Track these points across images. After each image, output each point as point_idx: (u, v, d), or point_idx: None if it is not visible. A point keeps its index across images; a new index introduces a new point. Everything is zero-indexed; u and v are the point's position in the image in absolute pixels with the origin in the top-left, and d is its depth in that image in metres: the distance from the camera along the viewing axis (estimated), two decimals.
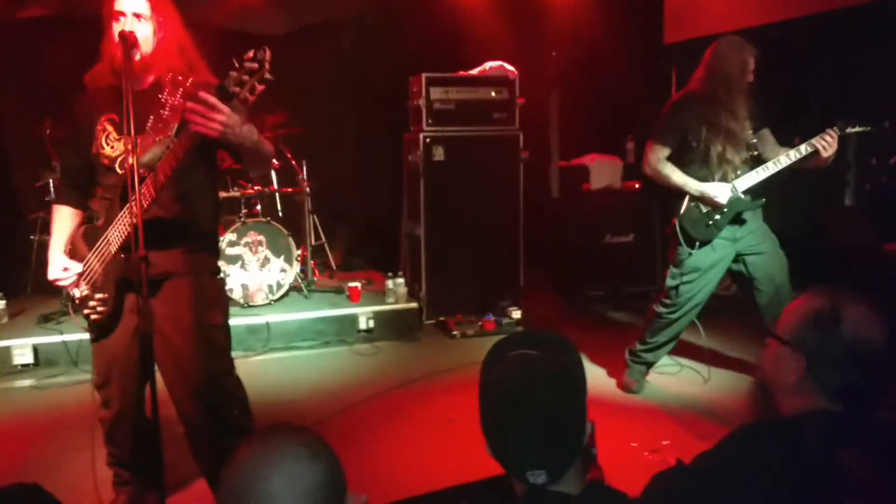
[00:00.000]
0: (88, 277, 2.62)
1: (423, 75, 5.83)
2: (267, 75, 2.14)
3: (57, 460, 3.59)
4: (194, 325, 2.64)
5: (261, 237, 5.72)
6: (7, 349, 4.95)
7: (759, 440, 1.49)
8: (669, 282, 4.11)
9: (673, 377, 4.60)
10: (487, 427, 1.53)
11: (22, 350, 4.94)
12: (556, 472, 1.45)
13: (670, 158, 3.97)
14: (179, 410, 2.72)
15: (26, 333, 5.11)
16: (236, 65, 2.14)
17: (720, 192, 3.86)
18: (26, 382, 4.78)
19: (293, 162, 6.29)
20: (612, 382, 4.51)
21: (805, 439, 1.43)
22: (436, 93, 5.85)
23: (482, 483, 2.45)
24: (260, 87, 2.16)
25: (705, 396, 4.31)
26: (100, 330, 2.64)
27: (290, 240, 5.79)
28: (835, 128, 3.74)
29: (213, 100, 2.16)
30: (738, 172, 3.89)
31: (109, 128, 2.60)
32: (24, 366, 4.93)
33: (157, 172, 2.36)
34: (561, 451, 1.46)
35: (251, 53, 2.13)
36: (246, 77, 2.14)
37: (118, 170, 2.55)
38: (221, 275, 2.89)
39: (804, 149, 3.79)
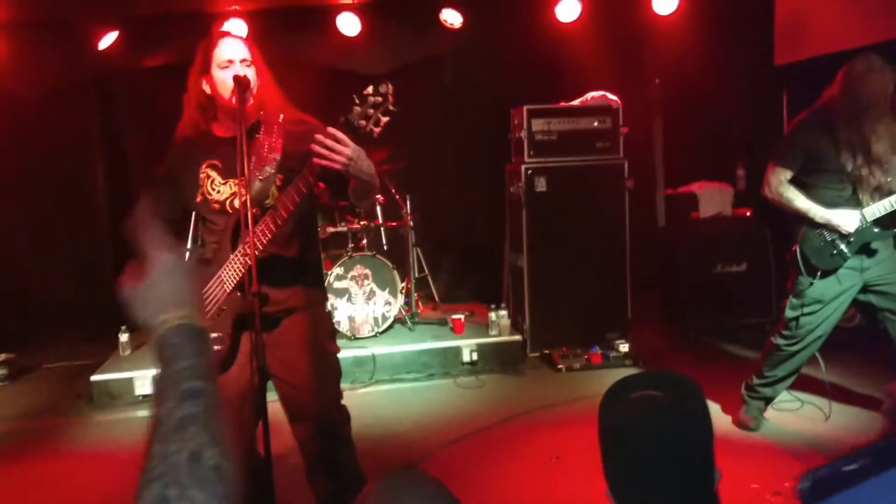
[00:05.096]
0: None
1: (525, 107, 5.83)
2: (391, 107, 2.21)
3: None
4: (316, 352, 2.71)
5: (367, 271, 5.83)
6: (130, 380, 5.22)
7: None
8: (789, 312, 3.90)
9: (793, 414, 4.36)
10: (612, 473, 1.47)
11: (143, 381, 5.19)
12: None
13: (795, 181, 3.78)
14: (300, 436, 2.75)
15: (148, 365, 5.35)
16: (357, 101, 2.21)
17: (848, 220, 3.64)
18: (147, 412, 4.99)
19: (397, 196, 6.40)
20: (727, 419, 4.31)
21: None
22: (537, 124, 5.84)
23: None
24: (384, 120, 2.23)
25: (828, 434, 4.06)
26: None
27: (395, 273, 5.87)
28: None
29: (340, 134, 2.23)
30: (869, 200, 3.66)
31: (213, 174, 2.65)
32: (145, 396, 5.18)
33: (276, 209, 2.42)
34: (691, 500, 1.39)
35: (371, 89, 2.20)
36: (371, 111, 2.21)
37: (229, 210, 2.61)
38: (329, 307, 2.95)
39: None
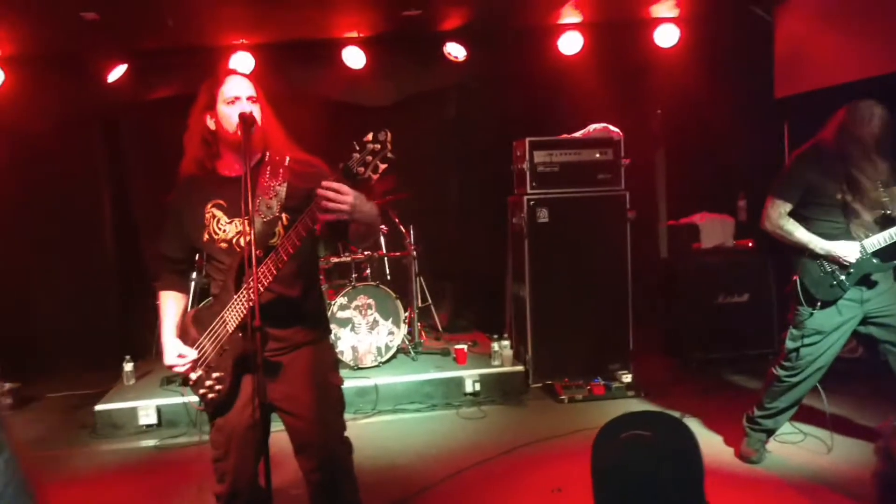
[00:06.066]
0: (202, 361, 2.70)
1: (527, 139, 5.89)
2: (389, 154, 2.24)
3: None
4: (320, 385, 2.73)
5: (370, 300, 5.86)
6: (133, 410, 5.23)
7: None
8: (789, 344, 3.92)
9: (795, 446, 4.34)
10: None
11: (147, 411, 5.21)
12: None
13: (793, 214, 3.83)
14: (304, 467, 2.76)
15: (151, 395, 5.39)
16: (357, 147, 2.25)
17: (849, 250, 3.69)
18: (150, 442, 5.00)
19: (400, 226, 6.45)
20: (729, 451, 4.30)
21: None
22: (539, 156, 5.90)
23: None
24: (383, 167, 2.26)
25: (831, 467, 4.05)
26: (217, 407, 2.70)
27: (398, 302, 5.90)
28: None
29: (337, 185, 2.27)
30: (868, 232, 3.71)
31: (218, 213, 2.68)
32: (148, 426, 5.19)
33: (278, 251, 2.46)
34: None
35: (370, 136, 2.23)
36: (369, 158, 2.24)
37: (236, 249, 2.64)
38: (332, 337, 2.97)
39: None
